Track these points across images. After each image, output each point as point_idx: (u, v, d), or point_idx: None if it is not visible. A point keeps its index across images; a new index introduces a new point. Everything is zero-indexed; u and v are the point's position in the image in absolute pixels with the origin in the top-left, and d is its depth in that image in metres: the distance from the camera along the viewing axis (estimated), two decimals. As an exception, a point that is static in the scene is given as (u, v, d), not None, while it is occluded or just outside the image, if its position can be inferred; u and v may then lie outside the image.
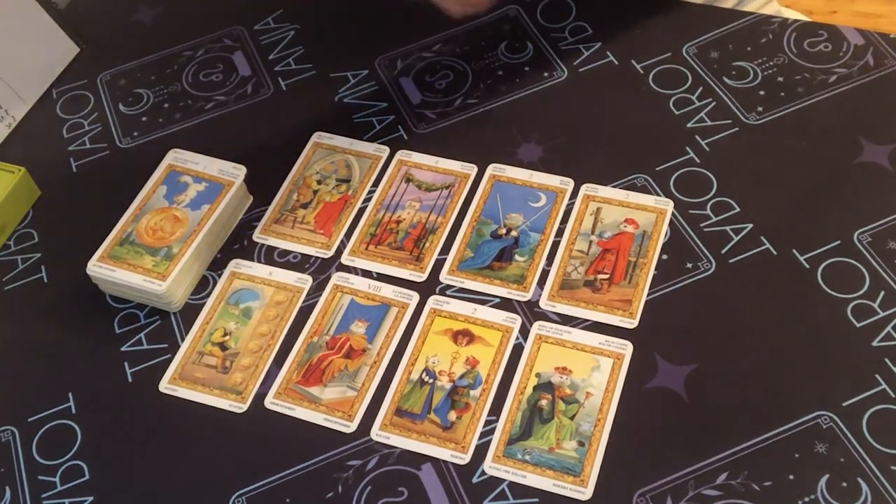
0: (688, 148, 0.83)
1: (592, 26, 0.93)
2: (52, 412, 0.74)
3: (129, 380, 0.75)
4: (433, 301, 0.76)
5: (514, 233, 0.79)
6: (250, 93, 0.93)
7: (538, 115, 0.87)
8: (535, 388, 0.71)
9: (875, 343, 0.70)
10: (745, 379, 0.69)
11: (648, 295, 0.74)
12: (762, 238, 0.76)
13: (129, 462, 0.71)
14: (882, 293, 0.72)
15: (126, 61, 0.98)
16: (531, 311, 0.75)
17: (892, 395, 0.67)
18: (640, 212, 0.79)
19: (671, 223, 0.78)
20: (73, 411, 0.74)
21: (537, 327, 0.74)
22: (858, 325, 0.71)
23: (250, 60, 0.96)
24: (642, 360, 0.71)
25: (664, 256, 0.76)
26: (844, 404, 0.67)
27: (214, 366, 0.75)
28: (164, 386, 0.74)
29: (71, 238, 0.85)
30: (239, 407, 0.72)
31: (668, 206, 0.79)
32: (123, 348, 0.77)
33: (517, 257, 0.78)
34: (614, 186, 0.81)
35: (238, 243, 0.82)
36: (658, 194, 0.80)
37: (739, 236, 0.77)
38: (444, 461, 0.68)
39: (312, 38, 0.97)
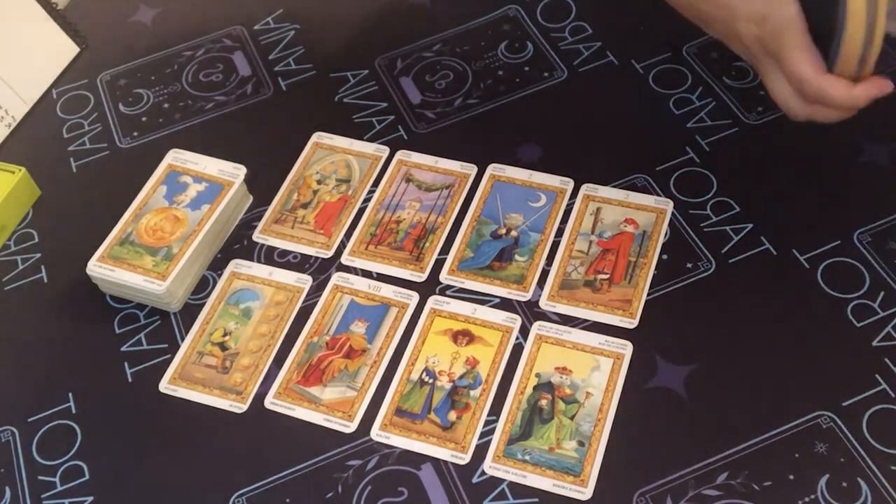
0: (688, 148, 0.83)
1: (592, 26, 0.93)
2: (52, 412, 0.74)
3: (129, 380, 0.75)
4: (433, 301, 0.76)
5: (514, 233, 0.79)
6: (250, 93, 0.93)
7: (538, 115, 0.87)
8: (535, 388, 0.71)
9: (875, 343, 0.70)
10: (745, 379, 0.69)
11: (648, 295, 0.74)
12: (762, 238, 0.76)
13: (129, 462, 0.71)
14: (882, 293, 0.72)
15: (126, 61, 0.98)
16: (531, 311, 0.75)
17: (892, 395, 0.67)
18: (640, 212, 0.79)
19: (671, 223, 0.78)
20: (73, 411, 0.74)
21: (537, 327, 0.74)
22: (858, 325, 0.71)
23: (250, 60, 0.96)
24: (642, 360, 0.71)
25: (664, 256, 0.76)
26: (844, 404, 0.67)
27: (214, 366, 0.75)
28: (164, 386, 0.74)
29: (71, 238, 0.85)
30: (239, 407, 0.72)
31: (668, 206, 0.79)
32: (123, 348, 0.77)
33: (517, 257, 0.78)
34: (614, 186, 0.81)
35: (238, 243, 0.82)
36: (658, 194, 0.80)
37: (739, 236, 0.77)
38: (444, 461, 0.68)
39: (312, 38, 0.97)
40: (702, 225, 0.78)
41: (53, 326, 0.80)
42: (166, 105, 0.94)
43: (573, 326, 0.73)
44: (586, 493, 0.66)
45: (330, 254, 0.80)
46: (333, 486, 0.68)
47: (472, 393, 0.71)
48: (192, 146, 0.85)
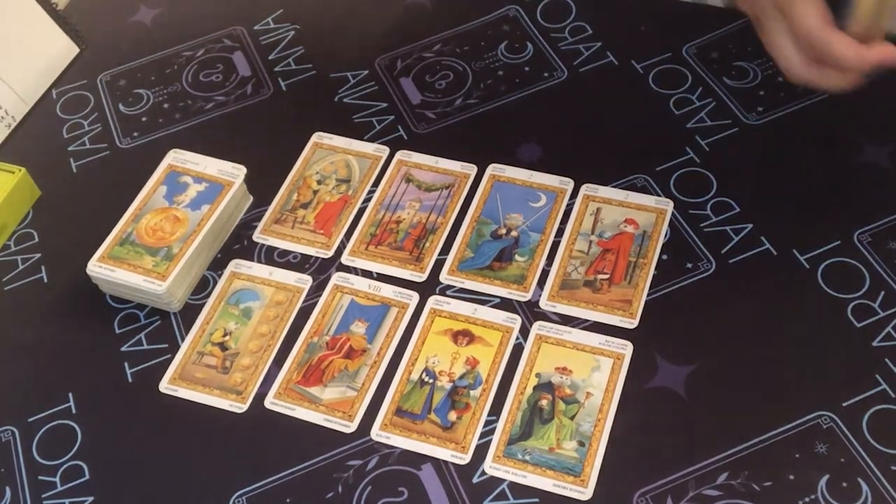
0: (688, 148, 0.83)
1: (592, 26, 0.93)
2: (52, 412, 0.74)
3: (129, 380, 0.75)
4: (433, 301, 0.76)
5: (514, 233, 0.79)
6: (250, 93, 0.93)
7: (538, 115, 0.87)
8: (535, 388, 0.71)
9: (875, 343, 0.70)
10: (745, 379, 0.69)
11: (648, 295, 0.74)
12: (762, 238, 0.76)
13: (129, 462, 0.71)
14: (882, 293, 0.72)
15: (126, 61, 0.98)
16: (531, 311, 0.75)
17: (892, 395, 0.67)
18: (640, 212, 0.79)
19: (671, 223, 0.78)
20: (73, 411, 0.74)
21: (537, 327, 0.74)
22: (858, 325, 0.71)
23: (250, 60, 0.96)
24: (642, 360, 0.71)
25: (664, 256, 0.76)
26: (844, 404, 0.67)
27: (214, 366, 0.75)
28: (164, 386, 0.74)
29: (71, 238, 0.85)
30: (239, 407, 0.72)
31: (668, 206, 0.79)
32: (123, 348, 0.77)
33: (517, 257, 0.78)
34: (614, 186, 0.81)
35: (238, 243, 0.82)
36: (658, 194, 0.80)
37: (739, 236, 0.77)
38: (445, 461, 0.68)
39: (312, 38, 0.97)
40: (702, 225, 0.78)
41: (53, 326, 0.80)
42: (166, 105, 0.94)
43: (573, 326, 0.73)
44: (586, 493, 0.66)
45: (330, 254, 0.80)
46: (333, 486, 0.68)
47: (472, 393, 0.71)
48: (192, 146, 0.85)
